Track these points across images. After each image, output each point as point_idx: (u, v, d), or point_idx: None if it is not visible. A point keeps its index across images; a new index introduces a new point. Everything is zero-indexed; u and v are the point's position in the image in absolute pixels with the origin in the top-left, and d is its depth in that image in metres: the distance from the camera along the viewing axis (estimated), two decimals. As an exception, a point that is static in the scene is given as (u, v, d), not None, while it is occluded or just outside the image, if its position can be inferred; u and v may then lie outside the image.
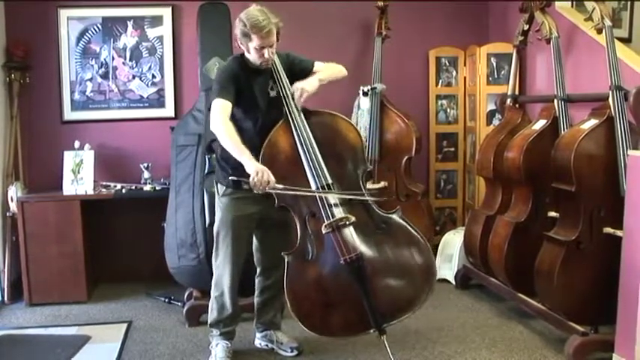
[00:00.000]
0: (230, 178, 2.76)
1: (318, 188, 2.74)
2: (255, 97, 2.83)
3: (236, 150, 2.67)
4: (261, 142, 2.81)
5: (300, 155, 2.79)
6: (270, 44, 2.73)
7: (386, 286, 2.75)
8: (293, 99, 2.82)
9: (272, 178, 2.62)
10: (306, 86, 2.84)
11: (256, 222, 2.95)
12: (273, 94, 2.87)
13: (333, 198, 2.75)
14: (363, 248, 2.73)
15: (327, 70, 2.97)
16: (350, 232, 2.73)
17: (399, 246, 2.79)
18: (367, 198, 2.82)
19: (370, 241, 2.76)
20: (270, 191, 2.65)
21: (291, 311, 2.75)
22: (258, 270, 3.13)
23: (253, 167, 2.61)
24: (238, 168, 2.81)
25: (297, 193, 2.74)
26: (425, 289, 2.78)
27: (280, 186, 2.67)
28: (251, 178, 2.60)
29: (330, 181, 2.75)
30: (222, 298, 2.97)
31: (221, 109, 2.72)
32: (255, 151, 2.77)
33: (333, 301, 2.75)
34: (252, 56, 2.77)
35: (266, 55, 2.73)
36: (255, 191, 2.63)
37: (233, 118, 2.83)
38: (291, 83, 2.86)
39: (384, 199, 2.88)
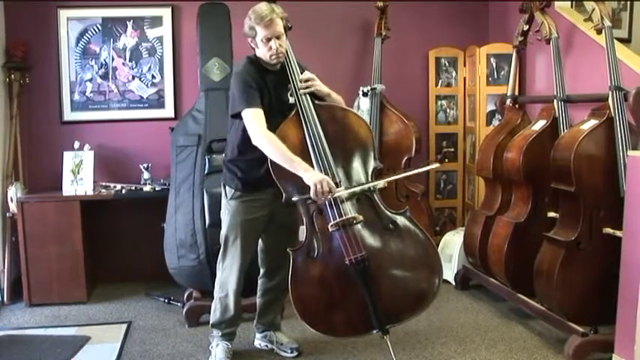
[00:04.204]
0: (293, 199, 2.69)
1: None
2: (271, 99, 2.78)
3: (287, 161, 2.61)
4: None
5: (309, 151, 2.74)
6: (276, 35, 2.69)
7: (391, 288, 2.71)
8: (302, 88, 2.78)
9: (332, 185, 2.58)
10: (319, 83, 2.83)
11: (264, 224, 2.94)
12: (292, 100, 2.82)
13: (341, 196, 2.70)
14: (369, 249, 2.68)
15: (338, 98, 2.93)
16: (356, 232, 2.69)
17: (406, 248, 2.76)
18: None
19: (377, 241, 2.73)
20: (337, 195, 2.62)
21: (294, 308, 2.73)
22: (261, 271, 3.12)
23: (312, 179, 2.55)
24: (247, 171, 2.81)
25: (347, 192, 2.69)
26: (431, 292, 2.75)
27: (342, 188, 2.65)
28: (312, 192, 2.55)
29: (337, 180, 2.71)
30: (227, 299, 2.96)
31: (255, 120, 2.64)
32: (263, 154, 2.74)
33: (337, 300, 2.73)
34: (262, 51, 2.74)
35: (274, 47, 2.70)
36: (320, 201, 2.60)
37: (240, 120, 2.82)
38: None
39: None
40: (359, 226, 2.71)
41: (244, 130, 2.73)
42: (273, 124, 2.76)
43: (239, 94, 2.71)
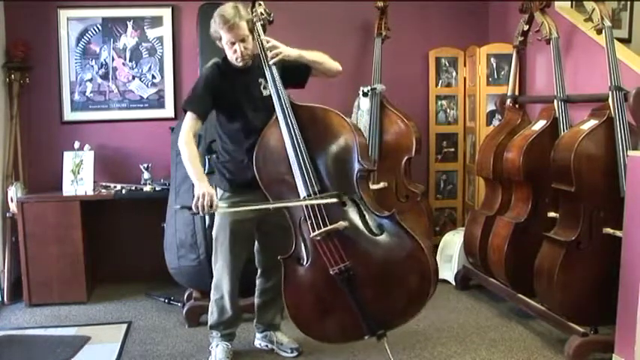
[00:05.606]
0: (174, 207, 2.88)
1: (305, 196, 2.67)
2: (239, 99, 2.80)
3: (190, 169, 2.72)
4: (250, 144, 2.78)
5: (289, 157, 2.72)
6: (240, 39, 2.70)
7: (378, 296, 2.66)
8: (283, 94, 2.76)
9: (215, 201, 2.64)
10: (284, 48, 2.81)
11: (255, 225, 2.93)
12: (266, 93, 2.83)
13: (321, 204, 2.66)
14: (353, 258, 2.63)
15: (316, 54, 2.91)
16: (340, 241, 2.64)
17: (393, 253, 2.66)
18: (327, 201, 2.65)
19: (362, 249, 2.66)
20: (219, 212, 2.70)
21: (287, 314, 2.75)
22: (259, 271, 3.12)
23: (196, 191, 2.65)
24: (235, 172, 2.83)
25: (245, 209, 2.75)
26: (421, 297, 2.66)
27: (225, 205, 2.73)
28: (194, 202, 2.61)
29: (317, 188, 2.67)
30: (222, 301, 2.96)
31: (188, 124, 2.77)
32: (245, 154, 2.79)
33: (328, 308, 2.72)
34: (228, 54, 2.77)
35: (238, 51, 2.72)
36: (200, 214, 2.67)
37: (220, 122, 2.87)
38: (284, 83, 2.80)
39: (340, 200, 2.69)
40: (343, 233, 2.65)
41: (226, 133, 2.85)
42: (245, 121, 2.81)
43: (190, 93, 2.86)
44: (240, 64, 2.77)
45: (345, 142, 2.75)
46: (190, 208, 2.65)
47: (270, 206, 2.73)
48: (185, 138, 2.74)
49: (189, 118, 2.77)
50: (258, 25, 2.87)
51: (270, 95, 2.80)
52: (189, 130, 2.76)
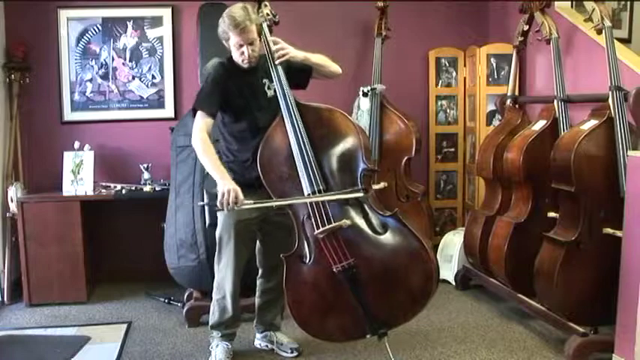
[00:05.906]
0: (199, 203, 2.88)
1: (309, 194, 2.69)
2: (245, 99, 2.81)
3: (210, 168, 2.69)
4: (256, 144, 2.79)
5: (294, 157, 2.73)
6: (249, 42, 2.71)
7: (381, 294, 2.67)
8: (288, 94, 2.77)
9: (240, 197, 2.60)
10: (291, 49, 2.83)
11: (258, 225, 2.94)
12: (270, 93, 2.84)
13: (325, 202, 2.67)
14: (357, 256, 2.65)
15: (319, 57, 2.94)
16: (344, 239, 2.66)
17: (397, 251, 2.68)
18: (349, 196, 2.68)
19: (366, 247, 2.68)
20: (243, 208, 2.64)
21: (290, 313, 2.75)
22: (259, 271, 3.12)
23: (220, 187, 2.61)
24: (240, 172, 2.83)
25: (267, 204, 2.72)
26: (424, 296, 2.68)
27: (251, 202, 2.66)
28: (218, 199, 2.60)
29: (321, 187, 2.69)
30: (224, 301, 2.96)
31: (200, 123, 2.74)
32: (250, 154, 2.80)
33: (330, 306, 2.72)
34: (235, 55, 2.77)
35: (245, 53, 2.72)
36: (225, 211, 2.64)
37: (224, 123, 2.87)
38: (289, 83, 2.81)
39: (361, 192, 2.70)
40: (347, 231, 2.67)
41: (231, 133, 2.84)
42: (251, 121, 2.81)
43: (199, 93, 2.83)
44: (246, 66, 2.78)
45: (351, 142, 2.78)
46: (215, 205, 2.64)
47: (288, 202, 2.72)
48: (200, 136, 2.71)
49: (200, 117, 2.75)
50: (265, 25, 2.87)
51: (274, 95, 2.82)
52: (202, 129, 2.73)
